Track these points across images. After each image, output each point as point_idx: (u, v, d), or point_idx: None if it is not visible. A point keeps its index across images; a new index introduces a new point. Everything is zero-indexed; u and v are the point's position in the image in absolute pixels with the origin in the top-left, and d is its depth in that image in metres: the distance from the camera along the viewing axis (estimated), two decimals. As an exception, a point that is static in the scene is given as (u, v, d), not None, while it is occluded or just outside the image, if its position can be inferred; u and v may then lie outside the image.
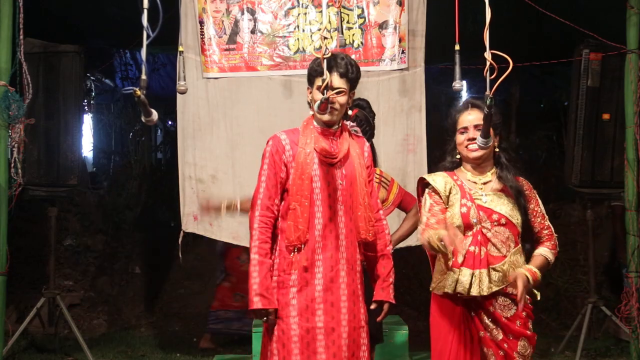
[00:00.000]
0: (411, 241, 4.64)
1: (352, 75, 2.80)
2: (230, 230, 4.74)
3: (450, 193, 2.77)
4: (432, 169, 4.80)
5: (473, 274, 2.65)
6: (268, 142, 2.83)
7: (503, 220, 2.70)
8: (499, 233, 2.70)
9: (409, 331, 4.59)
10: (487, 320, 2.69)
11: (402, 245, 4.62)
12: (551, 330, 6.25)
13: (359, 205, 2.83)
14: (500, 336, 2.68)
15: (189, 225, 4.73)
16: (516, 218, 2.73)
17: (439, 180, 2.80)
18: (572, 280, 6.75)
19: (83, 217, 7.36)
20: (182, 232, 4.70)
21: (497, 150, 2.80)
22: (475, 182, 2.79)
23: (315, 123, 2.83)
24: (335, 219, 2.77)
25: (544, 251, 2.77)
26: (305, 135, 2.80)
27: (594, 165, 5.09)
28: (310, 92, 2.83)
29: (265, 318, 2.71)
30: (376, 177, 3.66)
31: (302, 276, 2.72)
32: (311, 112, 2.85)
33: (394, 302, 2.89)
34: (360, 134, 3.51)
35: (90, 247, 7.21)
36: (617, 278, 5.85)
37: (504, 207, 2.73)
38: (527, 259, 2.77)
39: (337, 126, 2.83)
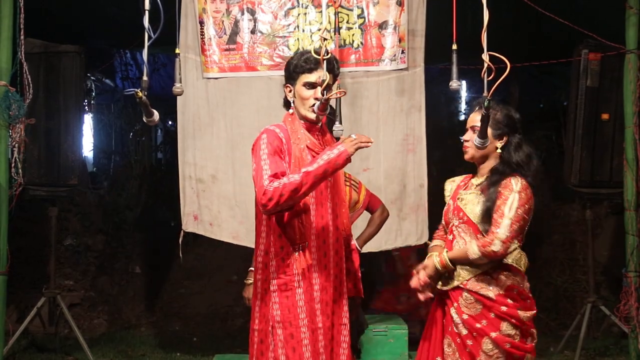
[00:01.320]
0: (411, 240, 4.67)
1: (337, 72, 2.81)
2: (230, 230, 4.75)
3: (450, 193, 2.95)
4: (431, 169, 4.83)
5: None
6: (261, 135, 2.69)
7: (465, 218, 2.77)
8: (463, 231, 2.77)
9: (408, 331, 4.60)
10: (454, 315, 2.74)
11: (402, 244, 4.67)
12: (550, 329, 6.26)
13: (342, 202, 2.88)
14: (465, 332, 2.70)
15: (189, 225, 4.74)
16: (476, 216, 2.73)
17: (448, 182, 3.00)
18: (571, 280, 6.75)
19: (83, 217, 7.36)
20: (182, 232, 4.71)
21: (498, 151, 2.79)
22: (472, 184, 2.85)
23: (299, 119, 2.79)
24: (327, 217, 2.75)
25: (470, 245, 2.69)
26: (294, 131, 2.74)
27: (593, 165, 5.11)
28: (291, 90, 2.79)
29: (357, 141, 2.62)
30: (346, 180, 3.70)
31: (305, 276, 2.66)
32: (290, 110, 2.81)
33: (363, 296, 3.03)
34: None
35: (91, 247, 7.22)
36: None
37: (472, 205, 2.76)
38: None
39: (320, 122, 2.81)
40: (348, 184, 3.74)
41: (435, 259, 2.76)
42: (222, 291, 7.05)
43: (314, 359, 2.64)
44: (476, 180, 2.85)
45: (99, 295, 6.89)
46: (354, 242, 3.05)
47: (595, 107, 5.08)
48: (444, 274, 2.77)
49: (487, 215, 2.68)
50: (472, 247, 2.66)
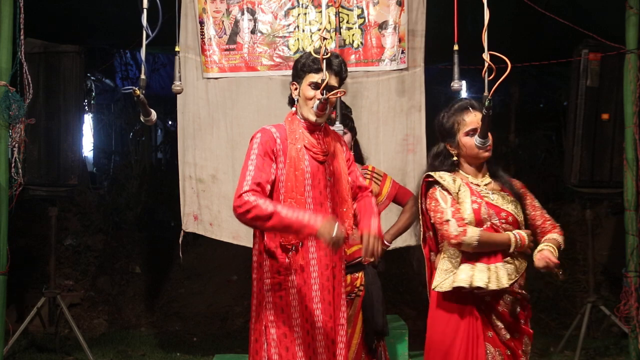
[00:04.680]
0: (411, 241, 4.64)
1: (345, 75, 2.80)
2: (230, 230, 4.75)
3: (459, 190, 2.76)
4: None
5: (489, 268, 2.64)
6: (256, 134, 2.71)
7: (510, 219, 2.73)
8: (506, 230, 2.72)
9: (408, 331, 4.59)
10: (496, 320, 2.69)
11: (402, 244, 4.64)
12: (550, 329, 6.26)
13: (344, 201, 2.84)
14: (508, 335, 2.69)
15: (189, 225, 4.74)
16: (520, 216, 2.77)
17: (447, 177, 2.78)
18: (571, 280, 6.75)
19: (83, 216, 7.37)
20: (182, 232, 4.71)
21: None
22: (477, 185, 2.80)
23: (299, 118, 2.78)
24: (326, 216, 2.73)
25: (555, 235, 2.80)
26: (292, 131, 2.73)
27: (593, 165, 5.11)
28: (296, 88, 2.79)
29: (336, 228, 2.44)
30: (367, 173, 3.68)
31: (300, 276, 2.66)
32: (293, 109, 2.81)
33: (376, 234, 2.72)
34: (347, 132, 3.60)
35: (91, 246, 7.22)
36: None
37: (510, 205, 2.76)
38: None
39: (321, 124, 2.80)
40: (369, 176, 3.68)
41: (551, 250, 2.71)
42: (222, 291, 7.05)
43: (307, 358, 2.63)
44: (481, 180, 2.81)
45: (99, 295, 6.88)
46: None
47: (595, 107, 5.08)
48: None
49: (528, 215, 2.81)
50: (558, 237, 2.79)
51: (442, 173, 2.82)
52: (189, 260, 6.98)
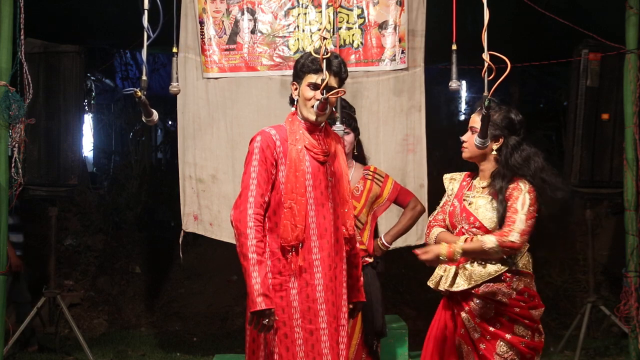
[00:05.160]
0: (411, 240, 4.65)
1: (344, 75, 2.80)
2: (230, 230, 4.69)
3: (452, 191, 2.91)
4: (431, 168, 4.84)
5: (445, 270, 2.79)
6: (255, 137, 2.73)
7: (477, 224, 2.75)
8: (475, 235, 2.75)
9: (408, 331, 4.59)
10: (465, 320, 2.76)
11: (402, 244, 4.63)
12: (550, 329, 6.25)
13: (345, 201, 2.86)
14: (477, 335, 2.73)
15: (189, 225, 4.74)
16: (490, 223, 2.73)
17: (447, 178, 2.98)
18: (571, 280, 6.76)
19: (83, 216, 7.37)
20: (182, 232, 4.71)
21: (493, 153, 2.80)
22: (476, 186, 2.86)
23: (300, 119, 2.79)
24: (328, 217, 2.74)
25: (485, 237, 2.66)
26: (293, 132, 2.74)
27: (593, 165, 5.11)
28: (297, 88, 2.79)
29: (267, 320, 2.57)
30: (369, 174, 3.68)
31: (301, 277, 2.66)
32: (293, 108, 2.82)
33: (365, 300, 3.08)
34: (350, 132, 3.60)
35: (91, 246, 7.23)
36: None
37: (485, 212, 2.75)
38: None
39: (321, 123, 2.80)
40: (370, 177, 3.69)
41: (442, 249, 2.67)
42: (222, 291, 7.06)
43: (311, 359, 2.63)
44: (479, 182, 2.85)
45: (99, 295, 6.89)
46: (360, 247, 3.05)
47: (595, 107, 5.08)
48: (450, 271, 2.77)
49: (503, 222, 2.69)
50: (488, 238, 2.63)
51: (451, 174, 2.98)
52: (189, 260, 6.98)
